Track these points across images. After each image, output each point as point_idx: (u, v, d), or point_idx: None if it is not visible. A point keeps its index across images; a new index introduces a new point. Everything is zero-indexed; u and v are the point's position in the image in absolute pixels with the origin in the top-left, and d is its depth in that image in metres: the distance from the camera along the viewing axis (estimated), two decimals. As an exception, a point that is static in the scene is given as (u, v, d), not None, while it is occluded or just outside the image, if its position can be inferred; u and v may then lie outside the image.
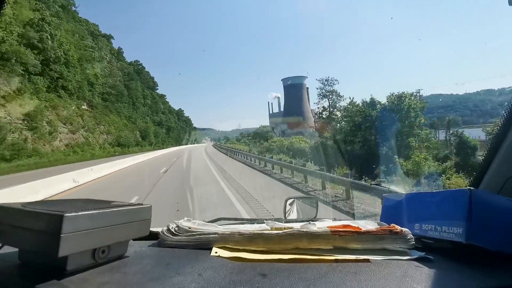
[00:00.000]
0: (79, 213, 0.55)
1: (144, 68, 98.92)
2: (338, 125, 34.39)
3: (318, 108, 49.14)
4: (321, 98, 49.43)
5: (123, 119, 61.81)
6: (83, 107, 43.79)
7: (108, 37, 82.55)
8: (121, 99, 64.30)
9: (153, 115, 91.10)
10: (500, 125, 0.83)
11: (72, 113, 38.53)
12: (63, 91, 39.27)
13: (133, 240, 0.73)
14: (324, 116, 47.10)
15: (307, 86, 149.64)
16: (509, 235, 0.66)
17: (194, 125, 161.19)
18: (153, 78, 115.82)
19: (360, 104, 30.49)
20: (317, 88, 50.39)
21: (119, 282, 0.56)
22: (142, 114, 77.99)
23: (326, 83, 49.76)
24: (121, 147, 49.33)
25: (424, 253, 0.69)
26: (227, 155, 30.30)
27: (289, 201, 1.57)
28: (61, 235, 0.51)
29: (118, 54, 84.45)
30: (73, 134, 36.57)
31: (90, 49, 52.22)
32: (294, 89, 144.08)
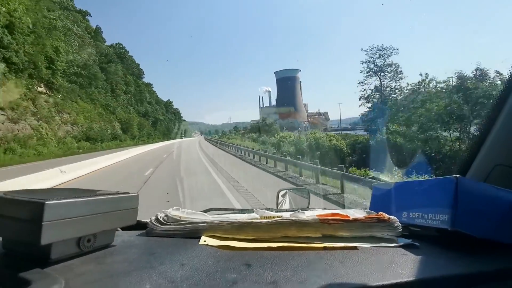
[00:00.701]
0: (61, 201, 0.54)
1: (127, 52, 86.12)
2: (410, 112, 22.45)
3: (364, 90, 33.98)
4: (369, 75, 33.98)
5: (98, 107, 49.94)
6: (38, 88, 31.69)
7: (84, 14, 68.92)
8: (96, 83, 52.25)
9: (138, 104, 79.04)
10: (488, 114, 0.86)
11: (17, 95, 26.33)
12: (4, 64, 26.91)
13: (121, 229, 0.74)
14: (375, 99, 32.59)
15: (300, 80, 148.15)
16: (493, 223, 0.68)
17: (183, 118, 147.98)
18: (138, 65, 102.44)
19: (453, 79, 18.82)
20: (363, 62, 34.73)
21: (104, 271, 0.56)
22: (123, 102, 65.80)
23: (378, 54, 33.74)
24: (91, 142, 37.65)
25: (410, 240, 0.73)
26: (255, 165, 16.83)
27: (281, 193, 1.57)
28: (42, 223, 0.51)
29: (96, 34, 71.04)
30: (15, 123, 24.62)
31: (52, 18, 39.55)
32: (287, 82, 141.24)
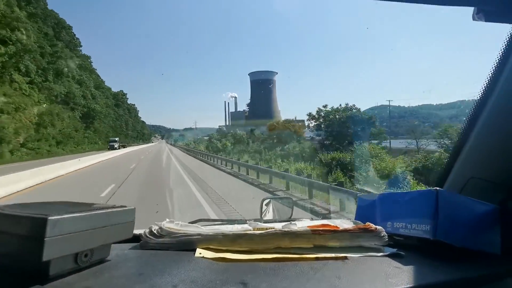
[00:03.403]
0: (64, 216, 0.51)
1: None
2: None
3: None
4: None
5: None
6: None
7: None
8: None
9: (42, 76, 34.30)
10: (462, 130, 0.89)
11: None
12: None
13: (115, 243, 0.69)
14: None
15: (275, 84, 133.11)
16: (471, 232, 0.70)
17: (141, 118, 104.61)
18: (70, 28, 58.36)
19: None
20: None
21: (104, 286, 0.53)
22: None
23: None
24: None
25: (396, 249, 0.73)
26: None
27: (265, 202, 1.49)
28: (45, 239, 0.47)
29: None
30: None
31: None
32: (262, 85, 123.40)
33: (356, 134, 24.32)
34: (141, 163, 19.57)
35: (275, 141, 35.36)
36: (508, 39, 0.76)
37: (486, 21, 0.69)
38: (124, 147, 49.30)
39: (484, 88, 0.81)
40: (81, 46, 65.99)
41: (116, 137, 54.76)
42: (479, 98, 0.83)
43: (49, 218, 0.48)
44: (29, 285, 0.49)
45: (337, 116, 27.58)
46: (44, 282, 0.50)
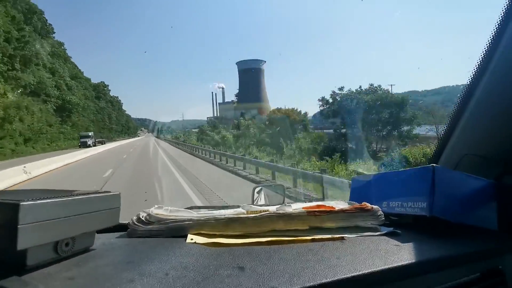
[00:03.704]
0: (38, 202, 0.47)
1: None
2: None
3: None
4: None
5: None
6: None
7: None
8: None
9: (12, 65, 28.30)
10: (455, 107, 0.89)
11: None
12: None
13: (101, 232, 0.65)
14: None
15: (264, 72, 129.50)
16: (467, 208, 0.71)
17: (126, 111, 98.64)
18: (41, 13, 52.12)
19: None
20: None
21: (88, 275, 0.50)
22: None
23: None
24: None
25: (392, 228, 0.73)
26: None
27: (257, 189, 1.49)
28: (18, 226, 0.44)
29: None
30: None
31: None
32: (251, 74, 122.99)
33: (386, 120, 20.95)
34: (121, 169, 12.66)
35: (276, 128, 31.44)
36: (506, 8, 0.72)
37: None
38: (102, 144, 40.05)
39: (477, 65, 0.80)
40: (54, 32, 59.16)
41: (89, 132, 44.17)
42: (472, 75, 0.82)
43: (21, 203, 0.45)
44: (5, 276, 0.46)
45: (356, 99, 23.44)
46: (22, 273, 0.47)
